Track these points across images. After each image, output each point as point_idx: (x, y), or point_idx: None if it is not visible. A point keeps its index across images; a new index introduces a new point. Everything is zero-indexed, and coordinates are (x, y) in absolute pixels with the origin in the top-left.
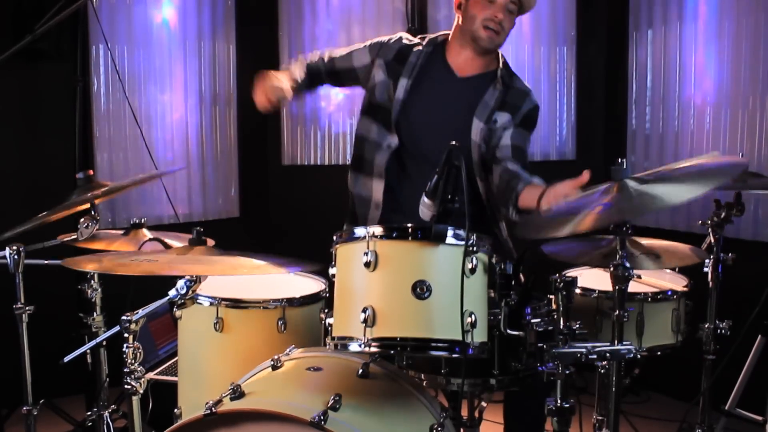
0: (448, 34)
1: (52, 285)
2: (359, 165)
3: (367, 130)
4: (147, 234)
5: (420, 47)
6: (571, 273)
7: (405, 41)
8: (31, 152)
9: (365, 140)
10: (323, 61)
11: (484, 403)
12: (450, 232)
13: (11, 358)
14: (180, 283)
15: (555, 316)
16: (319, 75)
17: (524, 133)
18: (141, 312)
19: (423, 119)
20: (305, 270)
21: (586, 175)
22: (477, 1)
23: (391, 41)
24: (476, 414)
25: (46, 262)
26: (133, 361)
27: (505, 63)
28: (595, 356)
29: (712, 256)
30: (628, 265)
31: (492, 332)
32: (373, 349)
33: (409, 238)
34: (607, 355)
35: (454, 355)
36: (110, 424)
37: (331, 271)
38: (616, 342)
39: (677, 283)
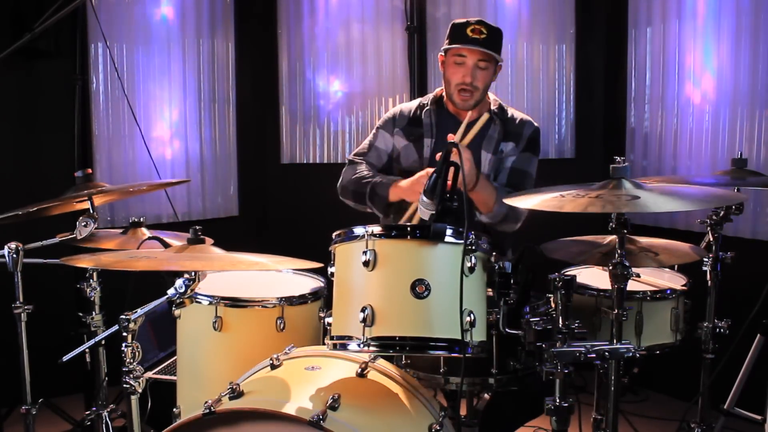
0: (441, 89)
1: (51, 284)
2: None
3: None
4: (146, 233)
5: (426, 107)
6: (570, 272)
7: (412, 108)
8: (30, 151)
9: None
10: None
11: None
12: (449, 231)
13: (10, 357)
14: (179, 282)
15: (554, 315)
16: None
17: (528, 156)
18: (140, 311)
19: None
20: (304, 269)
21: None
22: (450, 64)
23: (400, 112)
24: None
25: (44, 261)
26: (131, 360)
27: (498, 103)
28: (593, 355)
29: (711, 255)
30: (626, 263)
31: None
32: (372, 349)
33: (408, 237)
34: (606, 354)
35: (453, 355)
36: (109, 423)
37: (330, 270)
38: (614, 341)
39: (676, 281)
